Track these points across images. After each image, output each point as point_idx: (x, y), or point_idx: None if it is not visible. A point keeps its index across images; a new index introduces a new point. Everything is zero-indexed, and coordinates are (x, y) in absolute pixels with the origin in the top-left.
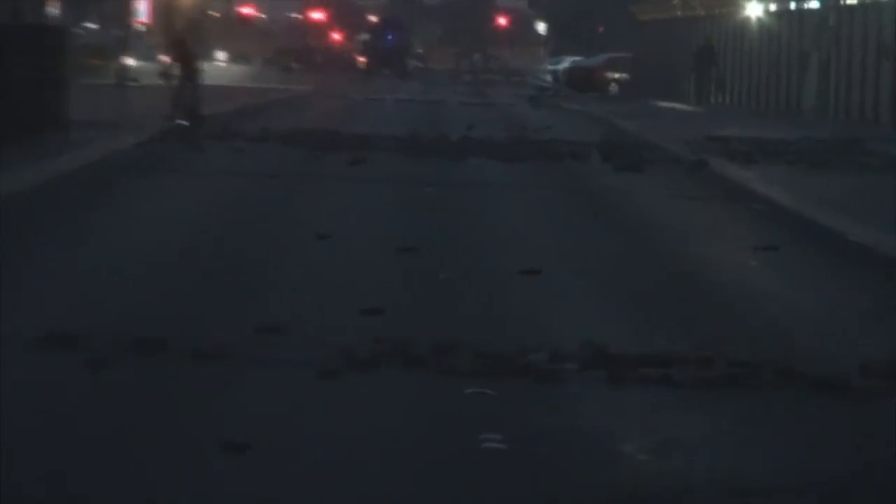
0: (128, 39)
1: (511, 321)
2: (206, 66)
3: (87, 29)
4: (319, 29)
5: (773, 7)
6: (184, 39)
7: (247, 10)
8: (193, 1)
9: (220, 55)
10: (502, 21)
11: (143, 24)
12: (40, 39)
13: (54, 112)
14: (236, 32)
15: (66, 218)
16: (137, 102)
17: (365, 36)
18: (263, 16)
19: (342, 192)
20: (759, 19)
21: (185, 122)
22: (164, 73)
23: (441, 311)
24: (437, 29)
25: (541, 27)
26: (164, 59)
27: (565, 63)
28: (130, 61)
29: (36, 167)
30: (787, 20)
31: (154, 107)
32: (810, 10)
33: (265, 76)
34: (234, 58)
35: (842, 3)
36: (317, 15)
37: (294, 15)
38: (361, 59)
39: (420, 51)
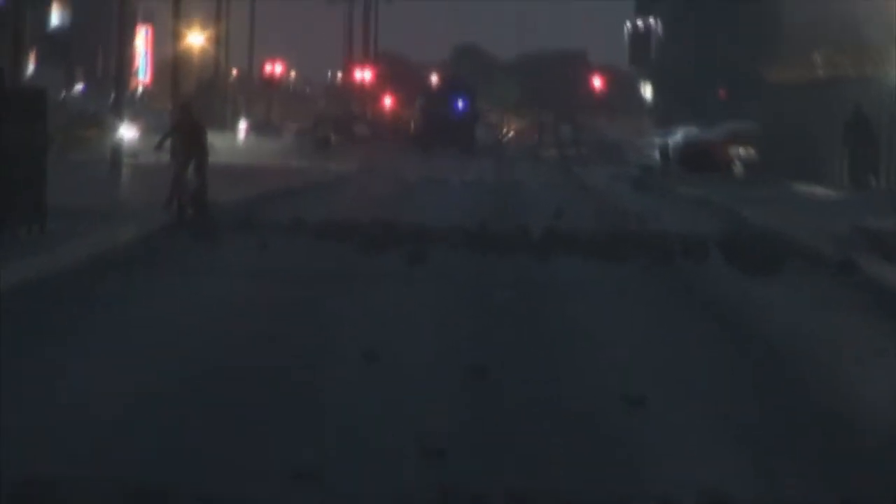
0: (125, 104)
1: (608, 464)
2: (222, 139)
3: (77, 93)
4: (366, 92)
5: None
6: (189, 105)
7: (274, 69)
8: (205, 55)
9: (241, 125)
10: (597, 83)
11: (144, 84)
12: (14, 105)
13: (32, 198)
14: (261, 96)
15: (44, 333)
16: (137, 184)
17: (423, 101)
18: (294, 74)
19: (395, 299)
20: None
21: (188, 210)
22: (160, 145)
23: (519, 452)
24: (514, 92)
25: (646, 91)
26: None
27: (677, 136)
28: (129, 132)
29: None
30: None
31: (158, 189)
32: None
33: (297, 152)
34: (259, 128)
35: None
36: (363, 74)
37: (334, 74)
38: (418, 129)
39: (492, 119)
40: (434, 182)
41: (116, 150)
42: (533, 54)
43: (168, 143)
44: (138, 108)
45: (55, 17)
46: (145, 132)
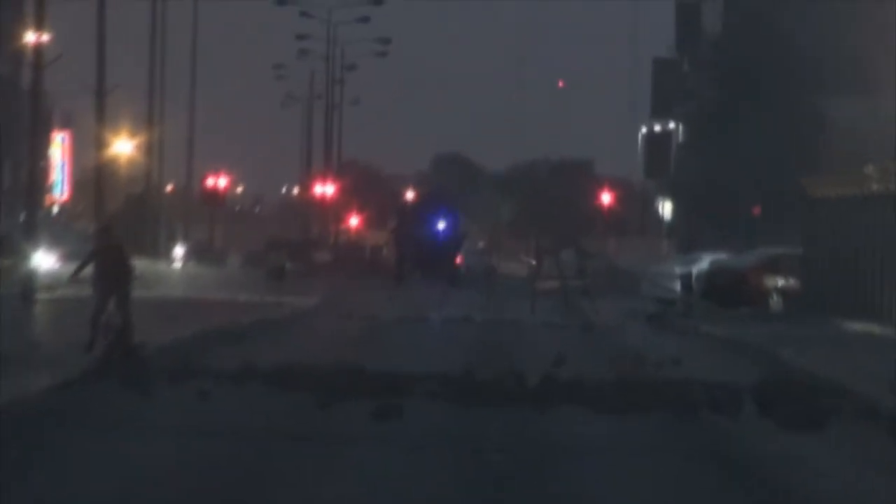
0: (39, 225)
1: None
2: (154, 267)
3: None
4: (328, 211)
5: None
6: (110, 227)
7: (217, 183)
8: (135, 167)
9: (177, 250)
10: (606, 199)
11: (61, 201)
12: None
13: None
14: (202, 216)
15: None
16: (54, 322)
17: (397, 221)
18: (241, 190)
19: (361, 463)
20: None
21: (113, 354)
22: (77, 274)
23: None
24: (507, 209)
25: (664, 209)
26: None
27: (702, 263)
28: (45, 259)
29: None
30: None
31: (79, 328)
32: None
33: (246, 283)
34: (199, 254)
35: None
36: (324, 189)
37: (290, 190)
38: (391, 256)
39: (481, 244)
40: (410, 320)
41: (29, 281)
42: (529, 164)
43: (89, 271)
44: (57, 230)
45: None
46: (66, 259)
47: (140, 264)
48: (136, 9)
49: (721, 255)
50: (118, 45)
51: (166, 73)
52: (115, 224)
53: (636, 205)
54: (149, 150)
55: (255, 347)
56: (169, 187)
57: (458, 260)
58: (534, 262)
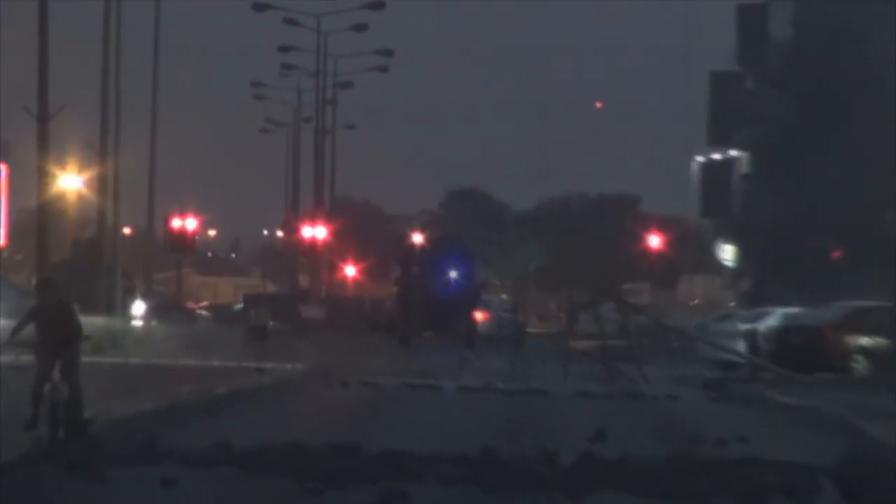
0: None
1: None
2: (108, 327)
3: None
4: (318, 258)
5: None
6: (52, 280)
7: (184, 226)
8: (85, 207)
9: (137, 306)
10: (654, 241)
11: None
12: None
13: None
14: (166, 264)
15: None
16: None
17: (402, 270)
18: (214, 234)
19: None
20: None
21: (58, 432)
22: (14, 337)
23: None
24: (534, 253)
25: (725, 253)
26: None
27: (771, 319)
28: None
29: None
30: None
31: (18, 401)
32: None
33: (220, 344)
34: (163, 311)
35: None
36: (314, 232)
37: (273, 234)
38: (396, 311)
39: (503, 296)
40: (418, 388)
41: None
42: (562, 201)
43: (30, 333)
44: None
45: None
46: (2, 318)
47: (92, 323)
48: (85, 12)
49: (794, 310)
50: (65, 58)
51: (123, 91)
52: (62, 276)
53: (691, 249)
54: (102, 185)
55: (230, 423)
56: (127, 230)
57: (476, 316)
58: (567, 318)
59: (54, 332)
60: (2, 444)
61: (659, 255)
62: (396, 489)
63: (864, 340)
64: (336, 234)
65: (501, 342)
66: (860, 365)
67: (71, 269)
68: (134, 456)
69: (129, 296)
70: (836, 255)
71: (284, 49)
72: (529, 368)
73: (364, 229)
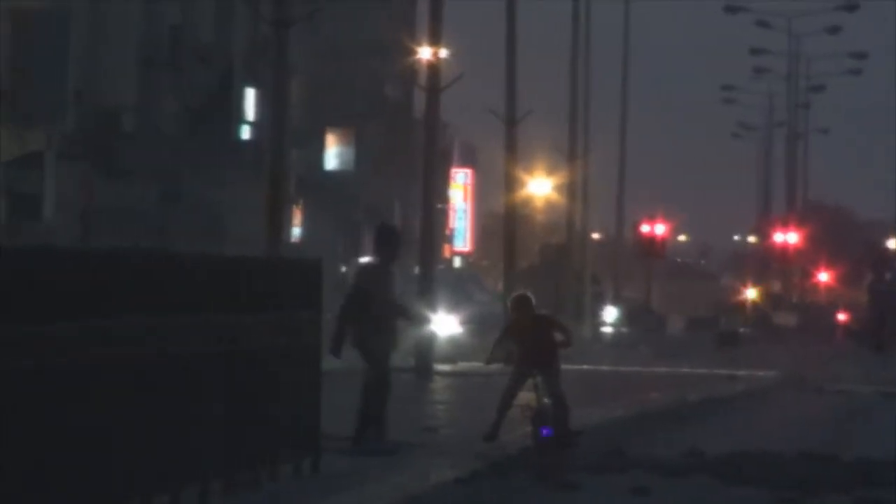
0: (436, 284)
1: None
2: (577, 331)
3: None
4: (790, 263)
5: None
6: (528, 300)
7: (653, 230)
8: (552, 212)
9: (607, 312)
10: None
11: (465, 253)
12: (274, 284)
13: (300, 421)
14: (634, 270)
15: None
16: (452, 402)
17: (876, 276)
18: (683, 238)
19: None
20: None
21: (536, 442)
22: (496, 356)
23: None
24: None
25: None
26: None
27: None
28: (444, 325)
29: None
30: None
31: (478, 412)
32: None
33: (690, 351)
34: (632, 316)
35: None
36: (786, 238)
37: (744, 239)
38: (869, 318)
39: None
40: (892, 397)
41: (426, 351)
42: None
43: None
44: (457, 289)
45: (331, 158)
46: (469, 323)
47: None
48: (553, 12)
49: None
50: (529, 61)
51: (591, 95)
52: (528, 281)
53: None
54: (570, 190)
55: (701, 431)
56: (596, 235)
57: None
58: None
59: (531, 347)
60: (465, 452)
61: None
62: (870, 498)
63: None
64: (808, 239)
65: None
66: None
67: (538, 274)
68: (603, 464)
69: (598, 301)
70: None
71: (756, 52)
72: None
73: (836, 234)
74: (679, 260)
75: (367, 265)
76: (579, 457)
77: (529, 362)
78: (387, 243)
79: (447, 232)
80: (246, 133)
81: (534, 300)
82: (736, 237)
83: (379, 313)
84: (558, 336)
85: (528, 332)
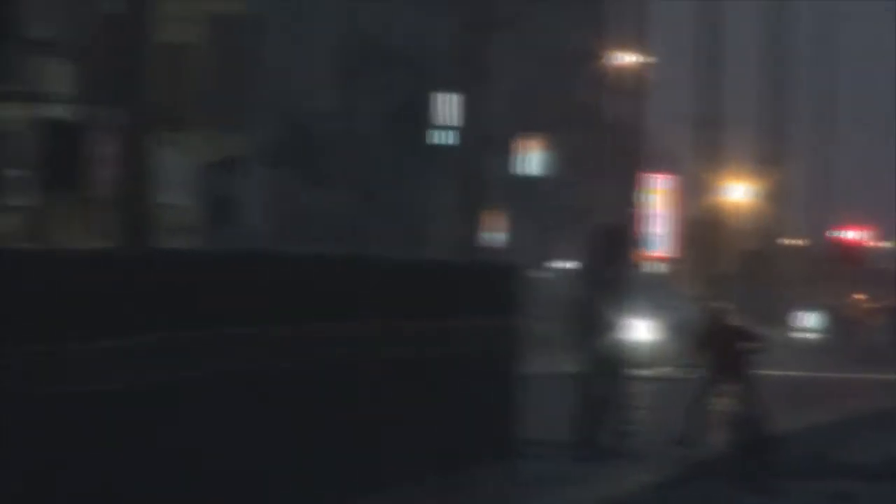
0: (627, 288)
1: None
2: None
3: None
4: None
5: None
6: (724, 311)
7: (852, 236)
8: (748, 218)
9: (799, 318)
10: None
11: (664, 258)
12: (467, 289)
13: (494, 424)
14: (831, 276)
15: None
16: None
17: None
18: (884, 245)
19: None
20: None
21: (738, 448)
22: (690, 367)
23: None
24: None
25: None
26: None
27: None
28: (640, 330)
29: None
30: None
31: (672, 418)
32: None
33: (884, 355)
34: (833, 323)
35: None
36: None
37: None
38: None
39: None
40: None
41: (613, 355)
42: None
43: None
44: (656, 294)
45: (533, 163)
46: (669, 331)
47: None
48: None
49: None
50: (736, 66)
51: (788, 99)
52: (725, 287)
53: None
54: (769, 196)
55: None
56: (797, 242)
57: None
58: None
59: (722, 355)
60: (661, 456)
61: None
62: None
63: None
64: None
65: None
66: None
67: (736, 280)
68: (805, 470)
69: (797, 307)
70: None
71: None
72: None
73: None
74: (879, 266)
75: (596, 271)
76: (779, 462)
77: (721, 370)
78: (618, 245)
79: (642, 236)
80: (445, 138)
81: (728, 309)
82: None
83: (608, 319)
84: (750, 344)
85: (721, 341)
